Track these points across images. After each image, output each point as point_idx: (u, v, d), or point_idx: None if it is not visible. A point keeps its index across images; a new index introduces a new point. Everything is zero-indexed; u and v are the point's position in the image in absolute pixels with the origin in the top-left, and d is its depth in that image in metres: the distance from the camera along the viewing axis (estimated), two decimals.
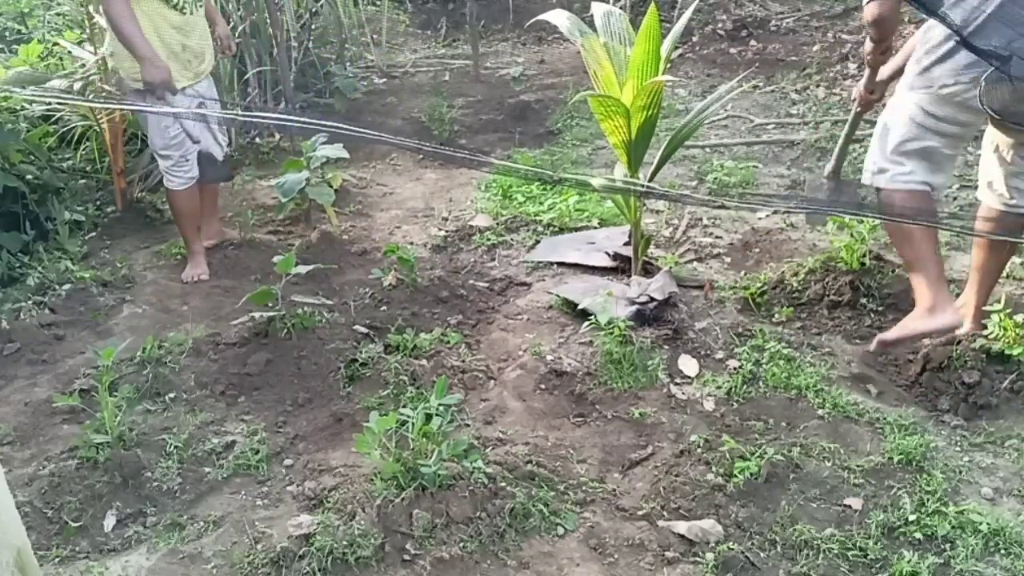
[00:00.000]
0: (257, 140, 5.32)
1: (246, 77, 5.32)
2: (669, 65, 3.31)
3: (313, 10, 5.80)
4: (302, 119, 3.57)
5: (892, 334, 2.97)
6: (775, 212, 4.12)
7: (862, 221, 3.44)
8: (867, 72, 3.45)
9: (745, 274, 3.67)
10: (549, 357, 3.03)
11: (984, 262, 3.12)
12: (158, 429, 2.83)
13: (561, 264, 3.80)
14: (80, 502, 2.51)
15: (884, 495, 2.46)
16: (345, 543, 2.23)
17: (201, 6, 3.73)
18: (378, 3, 6.63)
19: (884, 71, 3.46)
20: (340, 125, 3.45)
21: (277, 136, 5.32)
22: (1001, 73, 2.62)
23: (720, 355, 3.10)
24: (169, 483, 2.61)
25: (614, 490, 2.53)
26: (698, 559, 2.26)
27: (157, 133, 3.73)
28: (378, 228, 4.34)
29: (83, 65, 4.39)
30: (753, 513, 2.40)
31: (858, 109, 3.64)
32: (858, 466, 2.55)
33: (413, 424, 2.47)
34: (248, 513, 2.49)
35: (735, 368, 3.01)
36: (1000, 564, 2.23)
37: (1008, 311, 2.89)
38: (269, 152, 5.21)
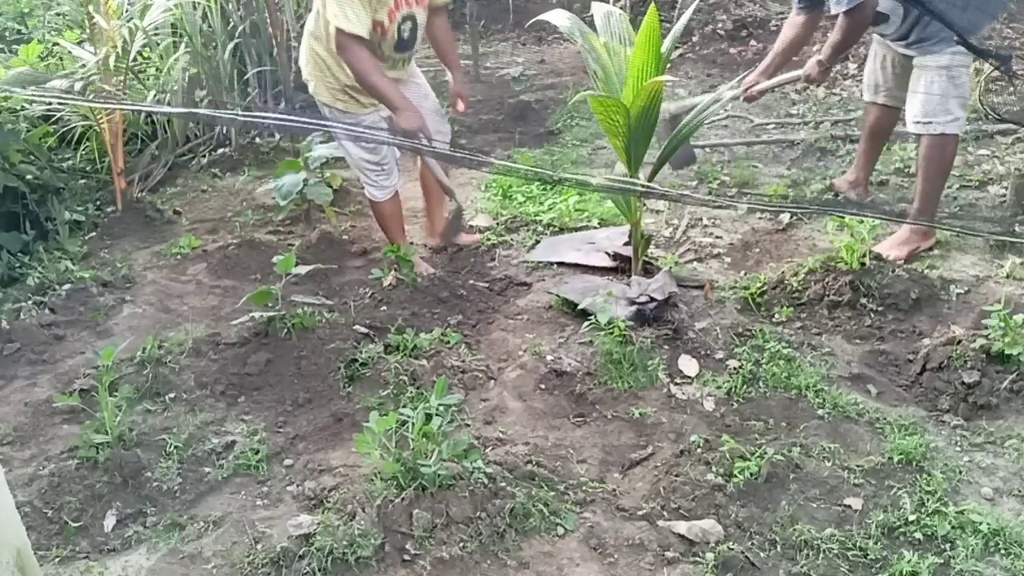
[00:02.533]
0: (257, 140, 5.31)
1: (246, 77, 5.32)
2: (669, 65, 3.30)
3: None
4: (302, 119, 3.58)
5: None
6: (774, 212, 4.11)
7: (862, 221, 3.43)
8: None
9: (745, 274, 3.67)
10: (549, 357, 3.03)
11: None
12: (158, 429, 2.83)
13: (561, 264, 3.80)
14: (80, 502, 2.51)
15: (884, 495, 2.46)
16: (345, 543, 2.23)
17: (409, 61, 3.54)
18: None
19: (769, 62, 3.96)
20: (340, 125, 3.45)
21: (277, 136, 5.32)
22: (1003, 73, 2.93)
23: (720, 355, 3.10)
24: (169, 483, 2.61)
25: (614, 490, 2.53)
26: (698, 559, 2.26)
27: (355, 147, 3.57)
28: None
29: (83, 65, 4.39)
30: (753, 513, 2.40)
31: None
32: (858, 466, 2.55)
33: (413, 424, 2.46)
34: (248, 513, 2.49)
35: (735, 368, 3.01)
36: (1000, 564, 2.24)
37: (1008, 311, 2.89)
38: (269, 152, 5.20)
